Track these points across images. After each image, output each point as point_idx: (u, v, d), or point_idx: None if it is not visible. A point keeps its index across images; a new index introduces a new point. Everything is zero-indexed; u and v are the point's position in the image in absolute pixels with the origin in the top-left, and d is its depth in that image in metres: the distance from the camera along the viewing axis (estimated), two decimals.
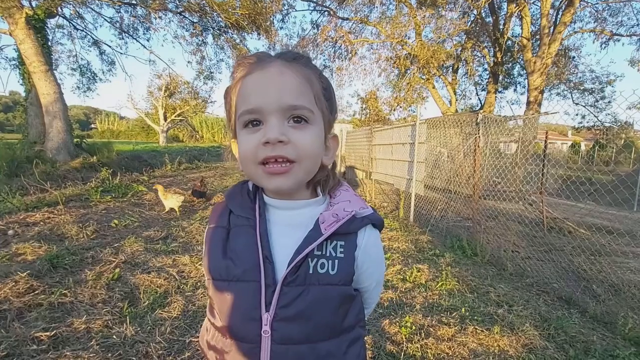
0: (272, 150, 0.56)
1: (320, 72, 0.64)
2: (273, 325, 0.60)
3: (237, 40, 14.14)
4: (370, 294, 0.74)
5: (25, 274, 2.61)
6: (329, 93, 0.65)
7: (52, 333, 2.01)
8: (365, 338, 0.70)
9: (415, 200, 5.96)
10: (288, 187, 0.60)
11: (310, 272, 0.61)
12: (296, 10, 15.72)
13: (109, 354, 1.90)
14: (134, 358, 1.89)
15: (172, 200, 5.22)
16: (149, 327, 2.19)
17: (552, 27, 11.72)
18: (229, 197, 0.71)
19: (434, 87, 15.87)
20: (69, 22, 12.23)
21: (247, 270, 0.62)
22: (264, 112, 0.57)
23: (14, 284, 2.48)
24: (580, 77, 15.47)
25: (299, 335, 0.61)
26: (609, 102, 14.98)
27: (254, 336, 0.61)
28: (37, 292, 2.46)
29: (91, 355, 1.86)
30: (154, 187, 5.63)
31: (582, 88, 15.55)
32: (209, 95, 26.85)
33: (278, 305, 0.60)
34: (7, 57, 11.46)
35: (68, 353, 1.86)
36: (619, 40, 13.99)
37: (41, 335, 1.98)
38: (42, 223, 4.15)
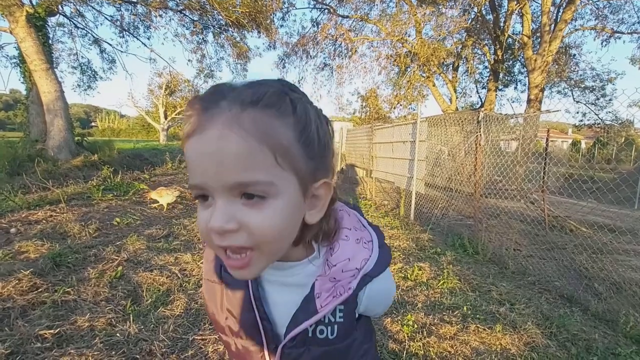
0: (222, 240, 0.46)
1: (294, 109, 0.47)
2: None
3: (238, 39, 14.14)
4: (375, 314, 0.71)
5: (28, 272, 2.62)
6: (307, 134, 0.48)
7: (56, 331, 2.02)
8: None
9: (415, 198, 5.96)
10: (254, 275, 0.51)
11: (310, 335, 0.59)
12: (296, 8, 15.67)
13: (113, 352, 1.90)
14: (137, 356, 1.90)
15: (167, 197, 5.37)
16: (152, 325, 2.20)
17: (552, 25, 11.70)
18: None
19: (434, 85, 15.86)
20: (70, 20, 12.23)
21: (246, 330, 0.61)
22: (208, 190, 0.46)
23: (17, 282, 2.49)
24: (581, 75, 15.47)
25: None
26: (610, 100, 14.97)
27: None
28: (40, 290, 2.47)
29: (95, 353, 1.86)
30: (146, 194, 5.83)
31: (582, 86, 15.54)
32: None
33: None
34: (7, 55, 11.48)
35: (72, 351, 1.86)
36: (619, 38, 13.99)
37: (45, 333, 1.99)
38: (44, 221, 4.16)
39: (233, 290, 0.61)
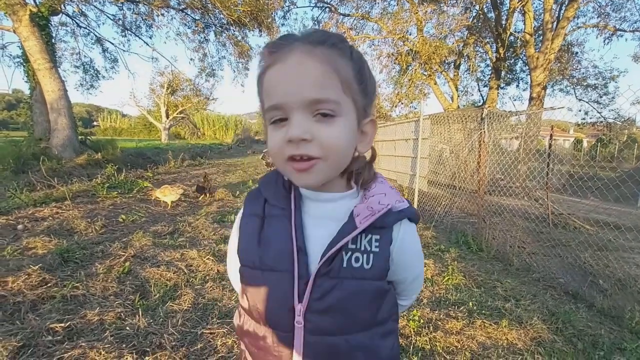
0: (296, 149, 0.54)
1: (351, 52, 0.59)
2: (306, 316, 0.60)
3: (239, 37, 14.15)
4: (407, 286, 0.73)
5: (37, 267, 2.64)
6: (362, 75, 0.59)
7: (67, 324, 2.04)
8: None
9: (418, 196, 5.97)
10: (314, 183, 0.58)
11: (344, 265, 0.60)
12: (297, 7, 15.70)
13: (123, 345, 1.93)
14: (148, 349, 1.92)
15: (171, 195, 5.39)
16: (161, 319, 2.22)
17: (555, 23, 11.67)
18: (264, 186, 0.69)
19: (435, 84, 15.84)
20: (72, 20, 12.23)
21: (280, 260, 0.62)
22: (287, 109, 0.54)
23: (26, 277, 2.51)
24: (583, 73, 15.42)
25: (331, 327, 0.61)
26: (613, 98, 14.93)
27: (288, 325, 0.61)
28: (49, 285, 2.49)
29: (106, 345, 1.88)
30: (150, 193, 5.86)
31: (585, 84, 15.50)
32: (211, 93, 26.90)
33: (311, 297, 0.60)
34: (11, 55, 11.49)
35: (83, 344, 1.88)
36: (622, 36, 13.92)
37: (56, 327, 2.01)
38: (50, 218, 4.19)
39: (274, 222, 0.65)
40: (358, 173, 0.66)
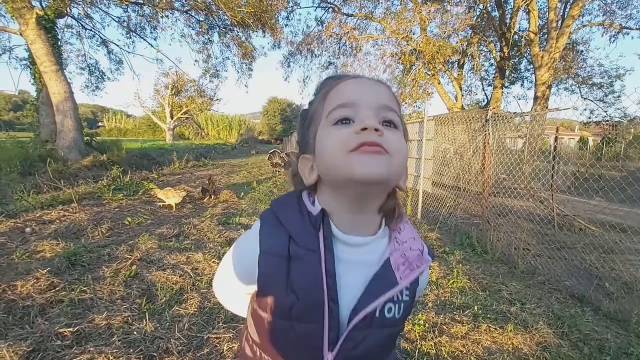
0: (367, 137, 0.53)
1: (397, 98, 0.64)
2: None
3: (243, 38, 14.20)
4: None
5: (45, 271, 2.68)
6: (402, 121, 0.63)
7: (75, 329, 2.06)
8: None
9: (422, 197, 5.97)
10: (380, 172, 0.53)
11: (377, 315, 0.59)
12: (301, 7, 15.70)
13: (131, 350, 1.95)
14: (155, 354, 1.94)
15: (174, 198, 5.46)
16: (167, 324, 2.24)
17: (559, 21, 11.59)
18: (287, 220, 0.61)
19: (439, 83, 15.78)
20: (78, 22, 12.35)
21: (311, 312, 0.58)
22: (358, 107, 0.56)
23: (35, 280, 2.55)
24: (588, 72, 15.30)
25: None
26: (619, 96, 14.80)
27: None
28: (57, 288, 2.52)
29: (114, 350, 1.91)
30: (149, 187, 5.95)
31: (590, 82, 15.37)
32: (215, 93, 27.03)
33: (342, 346, 0.58)
34: (17, 57, 11.62)
35: (91, 348, 1.91)
36: (628, 34, 13.79)
37: (65, 331, 2.04)
38: (58, 221, 4.23)
39: (304, 266, 0.58)
40: (391, 210, 0.63)
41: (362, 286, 0.59)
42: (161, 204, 5.58)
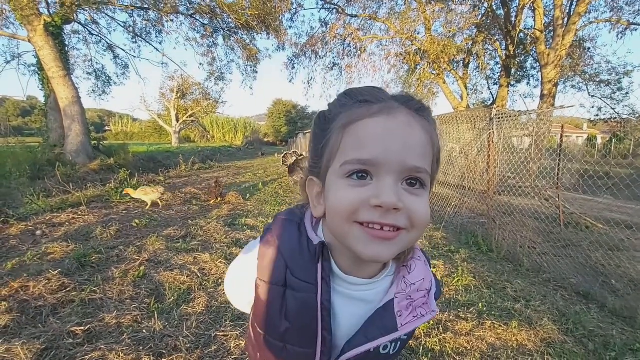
0: (381, 217, 0.47)
1: (435, 127, 0.54)
2: None
3: (247, 41, 14.31)
4: None
5: (56, 272, 2.74)
6: (439, 153, 0.55)
7: (86, 328, 2.12)
8: None
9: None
10: (388, 257, 0.50)
11: (371, 350, 0.57)
12: (305, 9, 15.70)
13: (141, 347, 1.99)
14: (164, 351, 1.99)
15: (152, 195, 5.55)
16: (176, 322, 2.29)
17: (566, 18, 11.49)
18: (285, 250, 0.58)
19: (444, 82, 15.74)
20: (85, 28, 12.55)
21: (304, 339, 0.58)
22: (380, 167, 0.48)
23: (47, 281, 2.61)
24: (596, 69, 15.12)
25: None
26: (627, 93, 14.62)
27: None
28: (68, 289, 2.58)
29: (124, 348, 1.96)
30: (124, 193, 5.84)
31: (598, 80, 15.19)
32: (220, 96, 27.21)
33: None
34: (26, 64, 11.83)
35: (102, 346, 1.96)
36: (636, 30, 13.62)
37: (76, 330, 2.09)
38: (67, 223, 4.32)
39: (299, 295, 0.57)
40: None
41: (360, 319, 0.57)
42: (147, 207, 5.56)
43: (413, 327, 0.56)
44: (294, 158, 9.12)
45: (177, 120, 29.56)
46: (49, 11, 9.39)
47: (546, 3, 13.31)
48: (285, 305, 0.58)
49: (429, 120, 0.53)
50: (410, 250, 0.59)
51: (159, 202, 5.74)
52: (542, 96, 11.79)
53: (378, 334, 0.55)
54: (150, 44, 13.75)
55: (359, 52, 16.06)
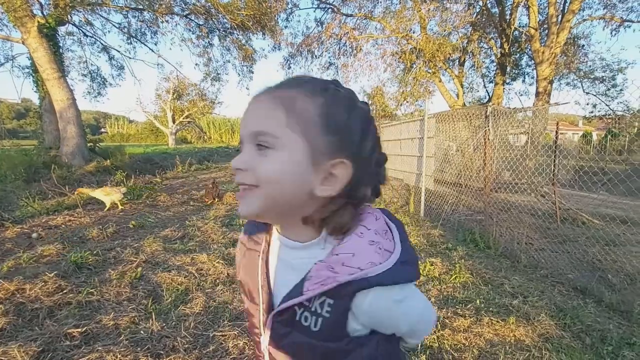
0: (236, 177, 0.57)
1: (324, 92, 0.56)
2: (269, 348, 0.65)
3: (243, 41, 14.26)
4: (403, 335, 0.65)
5: (52, 274, 2.73)
6: (330, 115, 0.55)
7: (83, 329, 2.11)
8: None
9: (425, 194, 5.98)
10: (247, 212, 0.57)
11: (297, 318, 0.59)
12: (300, 9, 15.71)
13: (138, 348, 1.99)
14: (162, 352, 1.98)
15: (114, 195, 5.36)
16: (173, 323, 2.28)
17: (560, 16, 11.55)
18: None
19: (440, 81, 15.76)
20: (79, 29, 12.46)
21: (252, 294, 0.67)
22: (242, 140, 0.58)
23: (43, 284, 2.60)
24: (590, 66, 15.19)
25: None
26: (621, 90, 14.71)
27: (262, 347, 0.67)
28: (65, 291, 2.57)
29: (122, 349, 1.95)
30: (76, 194, 5.52)
31: (592, 77, 15.27)
32: (216, 96, 27.16)
33: (272, 333, 0.63)
34: (20, 66, 11.75)
35: (100, 348, 1.95)
36: (629, 27, 13.69)
37: (73, 332, 2.08)
38: (63, 226, 4.29)
39: (250, 255, 0.69)
40: (328, 218, 0.57)
41: (290, 286, 0.60)
42: (106, 209, 5.32)
43: (314, 293, 0.55)
44: None
45: (174, 122, 29.47)
46: (42, 12, 9.33)
47: (540, 1, 13.39)
48: (244, 261, 0.70)
49: (300, 87, 0.56)
50: (346, 224, 0.58)
51: (119, 204, 5.45)
52: (537, 94, 11.84)
53: (291, 296, 0.59)
54: (145, 45, 13.69)
55: (355, 51, 16.05)
